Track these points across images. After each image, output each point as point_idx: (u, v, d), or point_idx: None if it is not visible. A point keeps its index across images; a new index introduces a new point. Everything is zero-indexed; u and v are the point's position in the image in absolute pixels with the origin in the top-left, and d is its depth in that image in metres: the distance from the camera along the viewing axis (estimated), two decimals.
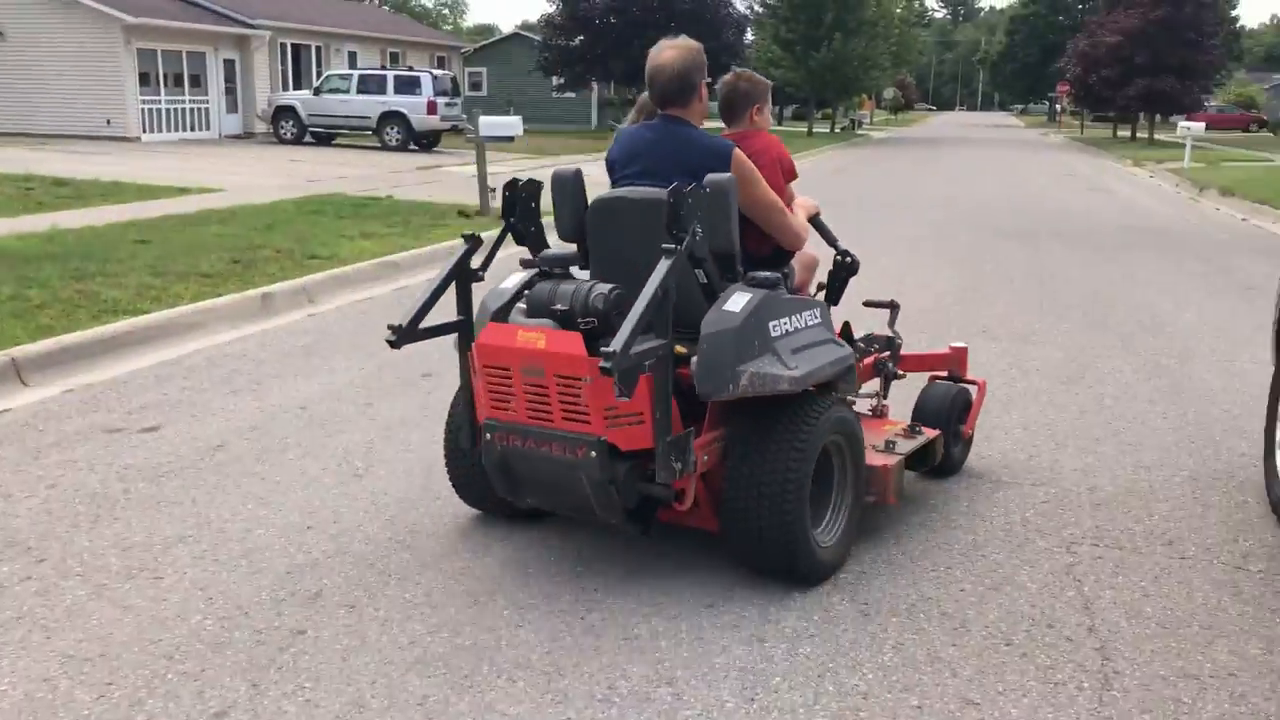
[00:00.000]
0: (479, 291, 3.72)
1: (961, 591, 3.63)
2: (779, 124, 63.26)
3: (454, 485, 4.08)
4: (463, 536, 3.99)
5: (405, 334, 3.47)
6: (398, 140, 26.36)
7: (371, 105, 26.42)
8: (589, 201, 3.71)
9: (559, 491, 3.46)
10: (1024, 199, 18.70)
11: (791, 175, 4.05)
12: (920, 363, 5.02)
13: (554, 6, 38.82)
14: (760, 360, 3.31)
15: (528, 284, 3.61)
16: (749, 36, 47.39)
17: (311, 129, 26.88)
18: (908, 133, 60.68)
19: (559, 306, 3.36)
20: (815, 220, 4.26)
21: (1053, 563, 3.87)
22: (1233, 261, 11.68)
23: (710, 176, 3.44)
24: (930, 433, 4.38)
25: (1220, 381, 6.43)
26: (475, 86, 46.55)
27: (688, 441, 3.27)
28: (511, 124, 13.27)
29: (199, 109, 28.40)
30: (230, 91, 29.44)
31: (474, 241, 3.66)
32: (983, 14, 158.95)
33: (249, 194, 14.17)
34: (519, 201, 3.74)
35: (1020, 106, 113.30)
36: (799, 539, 3.43)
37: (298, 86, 30.53)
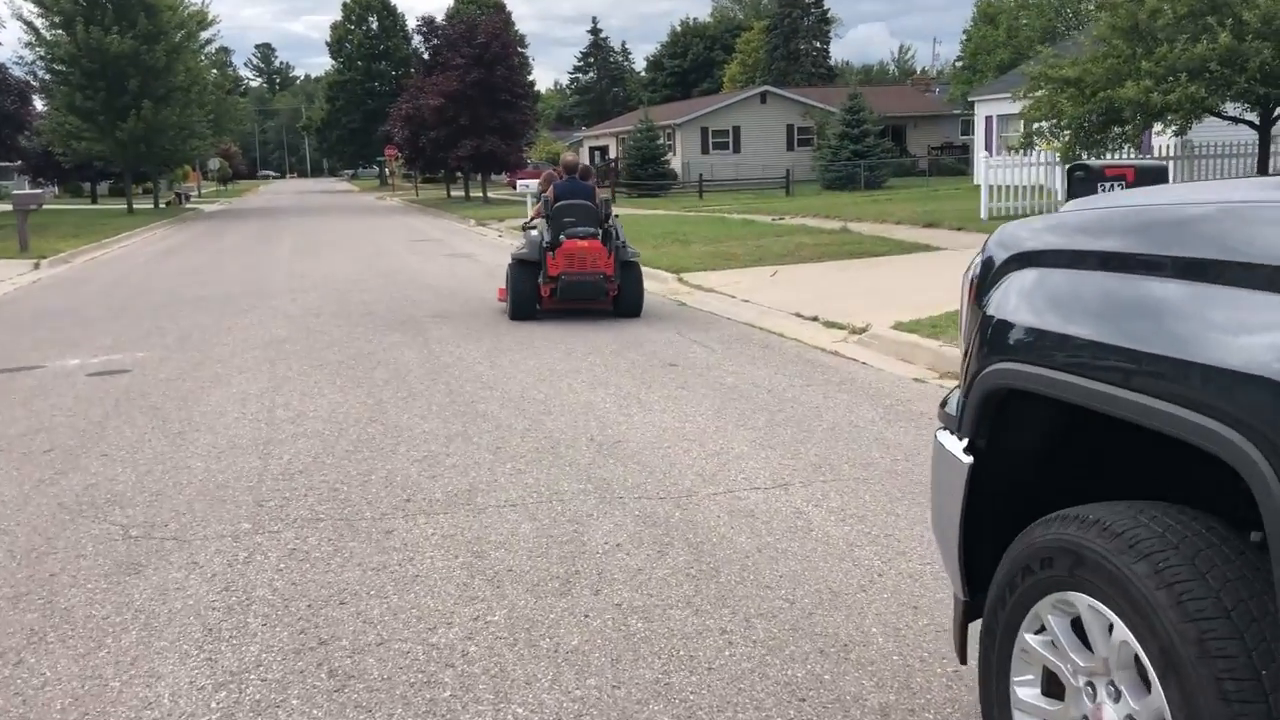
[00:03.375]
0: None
1: None
2: (93, 202, 56.12)
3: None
4: None
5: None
6: None
7: None
8: (559, 202, 11.26)
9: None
10: (388, 273, 16.91)
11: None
12: None
13: None
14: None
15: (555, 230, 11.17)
16: (38, 105, 40.97)
17: None
18: (242, 203, 57.13)
19: (583, 230, 11.08)
20: None
21: None
22: (619, 327, 10.76)
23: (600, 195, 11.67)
24: None
25: (736, 521, 4.84)
26: None
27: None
28: None
29: None
30: None
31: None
32: (299, 81, 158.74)
33: None
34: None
35: (351, 171, 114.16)
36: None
37: None
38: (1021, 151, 19.90)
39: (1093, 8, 20.36)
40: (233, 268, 18.92)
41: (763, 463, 5.79)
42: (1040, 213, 18.83)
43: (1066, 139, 18.88)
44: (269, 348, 9.96)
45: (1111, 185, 7.13)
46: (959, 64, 79.54)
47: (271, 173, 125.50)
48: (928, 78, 75.14)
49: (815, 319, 10.86)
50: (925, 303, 11.03)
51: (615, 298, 11.36)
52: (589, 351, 9.39)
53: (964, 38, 67.88)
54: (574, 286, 11.05)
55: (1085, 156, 19.12)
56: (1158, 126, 18.84)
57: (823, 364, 8.73)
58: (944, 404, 2.92)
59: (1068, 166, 7.16)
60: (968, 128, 55.98)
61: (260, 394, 7.86)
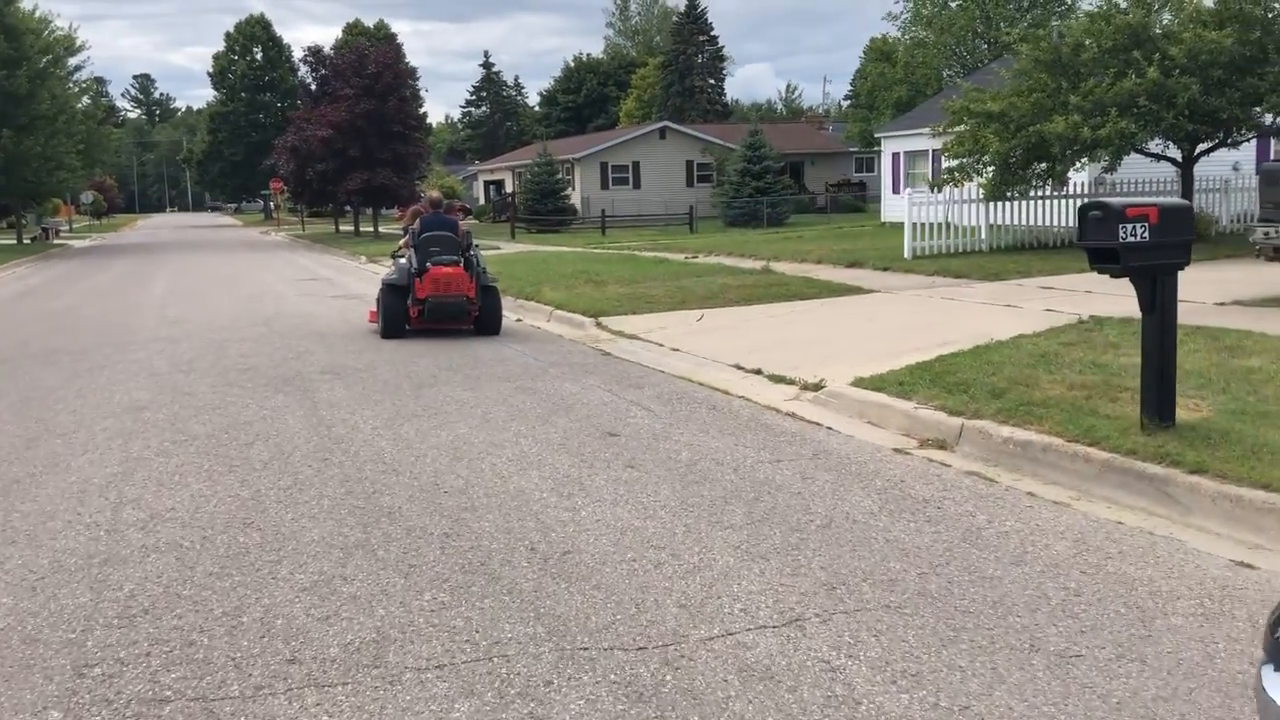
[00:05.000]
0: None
1: None
2: None
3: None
4: None
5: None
6: None
7: None
8: (425, 233, 12.31)
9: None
10: (272, 318, 15.23)
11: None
12: None
13: None
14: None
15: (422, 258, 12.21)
16: None
17: None
18: (117, 239, 54.06)
19: (448, 258, 12.18)
20: None
21: None
22: (541, 384, 9.42)
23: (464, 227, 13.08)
24: None
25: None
26: None
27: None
28: None
29: None
30: None
31: None
32: (180, 114, 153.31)
33: None
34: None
35: (234, 205, 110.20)
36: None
37: None
38: (938, 189, 19.21)
39: (1012, 40, 19.85)
40: (96, 312, 16.98)
41: (759, 583, 4.51)
42: (965, 253, 18.14)
43: (990, 175, 18.25)
44: (125, 416, 8.34)
45: (1134, 226, 6.12)
46: (847, 102, 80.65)
47: (173, 209, 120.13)
48: (821, 116, 75.77)
49: (758, 372, 9.69)
50: (876, 353, 9.97)
51: (476, 319, 12.70)
52: (510, 418, 8.01)
53: (858, 76, 68.66)
54: (440, 308, 12.41)
55: (1009, 193, 18.53)
56: (1080, 162, 18.35)
57: (784, 430, 7.52)
58: (1274, 626, 1.69)
59: (1081, 206, 6.00)
60: (863, 165, 56.31)
61: (106, 484, 6.29)
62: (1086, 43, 17.12)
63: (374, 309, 13.30)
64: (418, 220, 12.98)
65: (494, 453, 6.89)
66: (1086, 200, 6.59)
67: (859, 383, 8.57)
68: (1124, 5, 17.42)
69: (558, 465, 6.54)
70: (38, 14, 40.92)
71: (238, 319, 15.12)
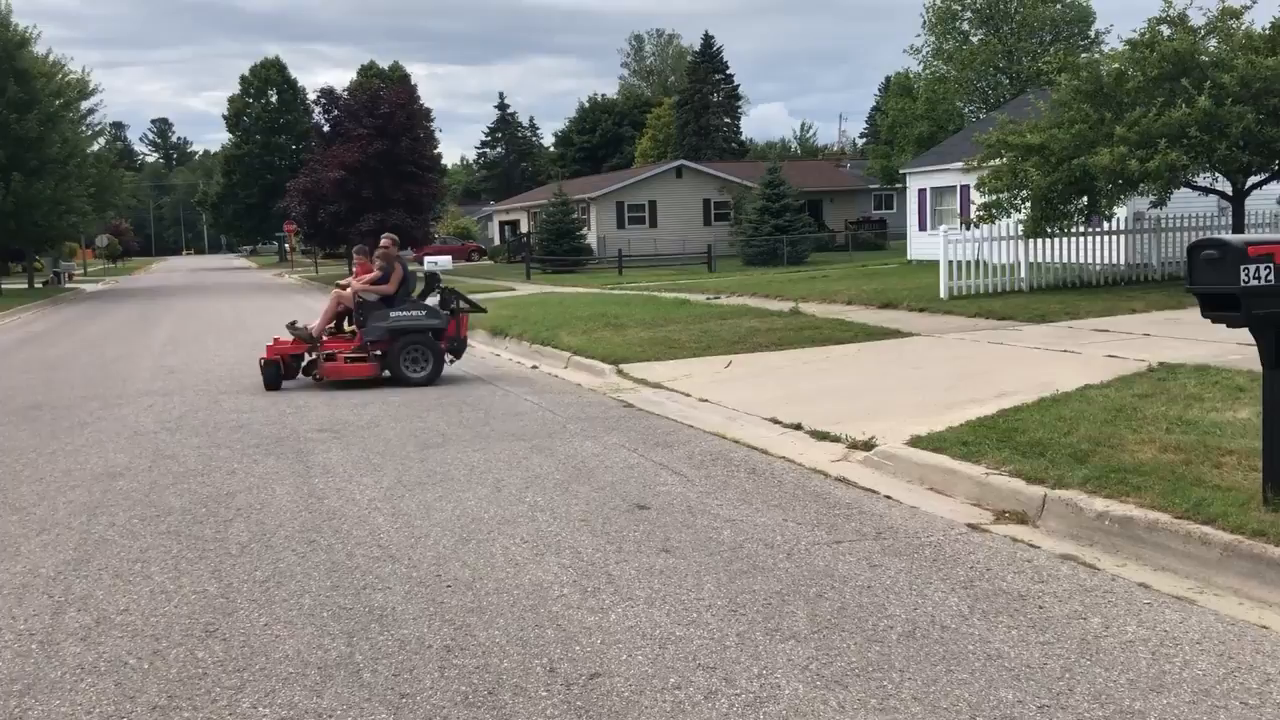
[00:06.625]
0: None
1: None
2: None
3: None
4: None
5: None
6: None
7: None
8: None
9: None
10: None
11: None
12: None
13: None
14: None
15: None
16: None
17: None
18: (130, 282, 53.63)
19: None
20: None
21: None
22: (559, 444, 8.51)
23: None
24: None
25: None
26: None
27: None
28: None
29: None
30: None
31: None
32: (197, 157, 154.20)
33: None
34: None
35: (250, 247, 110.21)
36: None
37: None
38: (976, 225, 18.32)
39: (1050, 70, 19.02)
40: (91, 361, 16.19)
41: None
42: (1004, 292, 17.14)
43: (1029, 210, 17.35)
44: (95, 485, 7.46)
45: (1258, 268, 5.19)
46: (863, 140, 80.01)
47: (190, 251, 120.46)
48: (840, 153, 75.21)
49: (798, 427, 8.76)
50: (927, 405, 9.05)
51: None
52: (525, 485, 7.10)
53: (876, 111, 68.10)
54: (462, 344, 13.03)
55: (1049, 229, 17.62)
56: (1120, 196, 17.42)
57: (837, 500, 6.58)
58: None
59: (1190, 245, 4.99)
60: (883, 201, 55.55)
61: (54, 575, 5.39)
62: (1129, 71, 16.26)
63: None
64: (399, 266, 12.86)
65: (506, 531, 5.97)
66: (1198, 238, 5.61)
67: (916, 442, 7.63)
68: (1168, 32, 16.57)
69: (580, 548, 5.62)
70: (50, 58, 40.68)
71: (237, 368, 14.28)
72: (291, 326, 12.88)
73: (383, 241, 13.38)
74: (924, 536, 5.76)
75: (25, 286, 44.19)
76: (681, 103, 76.81)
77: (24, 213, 37.46)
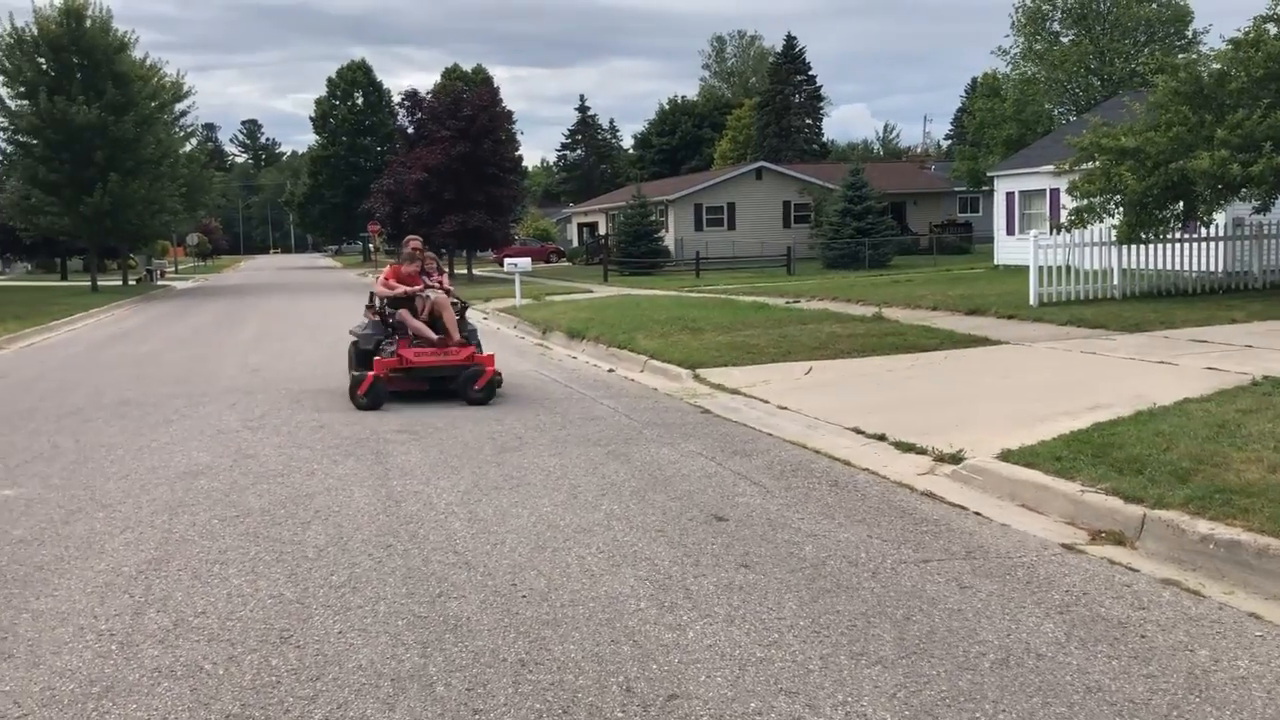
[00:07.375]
0: None
1: None
2: (62, 279, 53.83)
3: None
4: None
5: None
6: None
7: None
8: None
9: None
10: None
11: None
12: None
13: None
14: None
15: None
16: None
17: None
18: (219, 280, 54.99)
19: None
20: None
21: None
22: (636, 450, 8.39)
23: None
24: None
25: None
26: None
27: None
28: None
29: None
30: None
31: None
32: (285, 158, 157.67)
33: None
34: None
35: (335, 247, 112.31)
36: None
37: None
38: (1068, 230, 17.79)
39: (1147, 71, 18.41)
40: (178, 359, 16.53)
41: None
42: (1096, 300, 16.55)
43: (1123, 215, 16.80)
44: (178, 483, 7.55)
45: None
46: (948, 141, 78.70)
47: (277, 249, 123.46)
48: (924, 155, 74.08)
49: (882, 438, 8.53)
50: (1018, 417, 8.74)
51: None
52: (601, 493, 7.00)
53: (963, 113, 66.91)
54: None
55: (1145, 235, 17.04)
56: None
57: (924, 516, 6.37)
58: None
59: None
60: (967, 205, 54.54)
61: (135, 574, 5.43)
62: (1232, 72, 15.65)
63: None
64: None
65: (582, 540, 5.87)
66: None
67: (1006, 456, 7.36)
68: (1275, 31, 15.91)
69: (657, 561, 5.49)
70: (147, 62, 41.83)
71: (319, 367, 14.45)
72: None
73: (413, 243, 12.57)
74: (1016, 557, 5.53)
75: (120, 283, 45.50)
76: (763, 104, 76.37)
77: (120, 212, 38.56)
